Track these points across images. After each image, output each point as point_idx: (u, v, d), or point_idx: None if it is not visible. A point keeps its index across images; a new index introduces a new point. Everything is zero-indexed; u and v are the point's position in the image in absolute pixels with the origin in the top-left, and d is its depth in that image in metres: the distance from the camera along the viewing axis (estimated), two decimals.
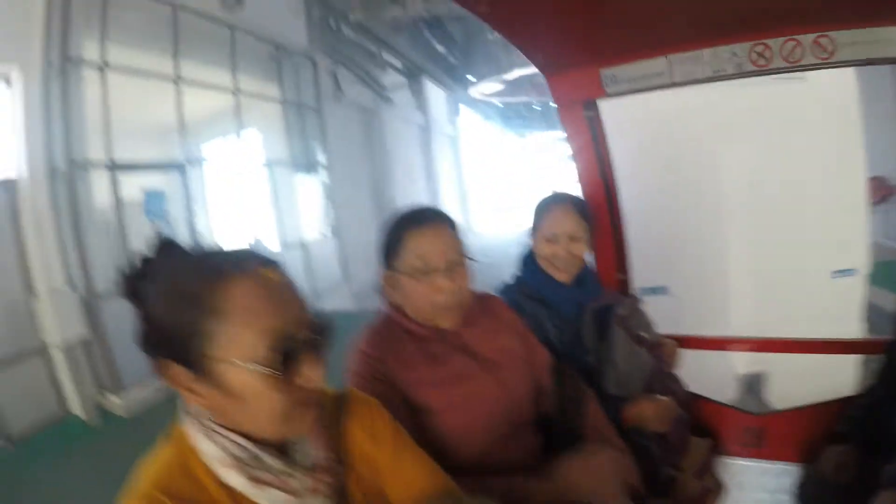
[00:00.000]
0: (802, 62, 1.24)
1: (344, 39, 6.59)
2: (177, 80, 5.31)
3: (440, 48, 7.48)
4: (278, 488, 0.60)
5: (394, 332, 1.02)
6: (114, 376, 4.23)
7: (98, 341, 4.22)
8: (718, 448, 1.51)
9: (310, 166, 7.57)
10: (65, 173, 4.12)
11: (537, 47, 1.46)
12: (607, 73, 1.45)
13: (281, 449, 0.62)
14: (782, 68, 1.28)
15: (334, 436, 0.70)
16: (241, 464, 0.59)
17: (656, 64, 1.36)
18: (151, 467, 0.60)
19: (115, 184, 4.56)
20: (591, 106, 1.57)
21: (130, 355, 4.26)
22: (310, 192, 7.60)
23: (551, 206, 1.44)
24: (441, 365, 1.00)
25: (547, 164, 19.76)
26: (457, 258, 0.99)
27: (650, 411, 1.24)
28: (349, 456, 0.71)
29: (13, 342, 3.89)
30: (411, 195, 9.62)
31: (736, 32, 1.28)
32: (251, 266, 0.59)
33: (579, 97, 1.56)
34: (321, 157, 7.71)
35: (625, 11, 1.22)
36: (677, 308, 2.32)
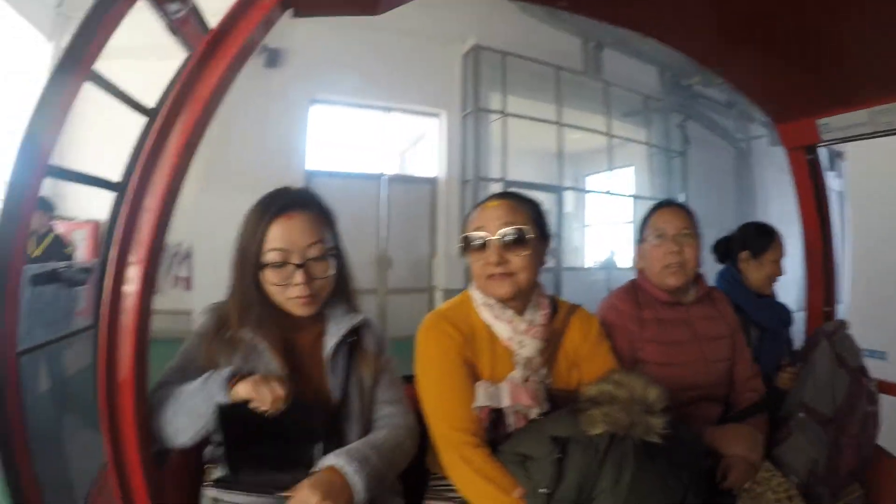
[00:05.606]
0: None
1: (694, 94, 6.77)
2: (559, 123, 6.89)
3: None
4: (506, 323, 1.03)
5: (639, 295, 1.30)
6: None
7: None
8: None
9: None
10: (471, 182, 6.21)
11: (768, 100, 1.78)
12: (822, 122, 1.63)
13: (520, 311, 1.04)
14: None
15: (559, 323, 1.07)
16: (488, 307, 1.04)
17: (858, 115, 1.47)
18: (447, 303, 1.09)
19: None
20: (812, 150, 1.74)
21: None
22: None
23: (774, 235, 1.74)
24: (666, 330, 1.25)
25: None
26: (686, 233, 1.25)
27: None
28: (564, 338, 1.07)
29: (414, 281, 6.27)
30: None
31: None
32: None
33: (802, 143, 1.76)
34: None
35: (837, 73, 1.48)
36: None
